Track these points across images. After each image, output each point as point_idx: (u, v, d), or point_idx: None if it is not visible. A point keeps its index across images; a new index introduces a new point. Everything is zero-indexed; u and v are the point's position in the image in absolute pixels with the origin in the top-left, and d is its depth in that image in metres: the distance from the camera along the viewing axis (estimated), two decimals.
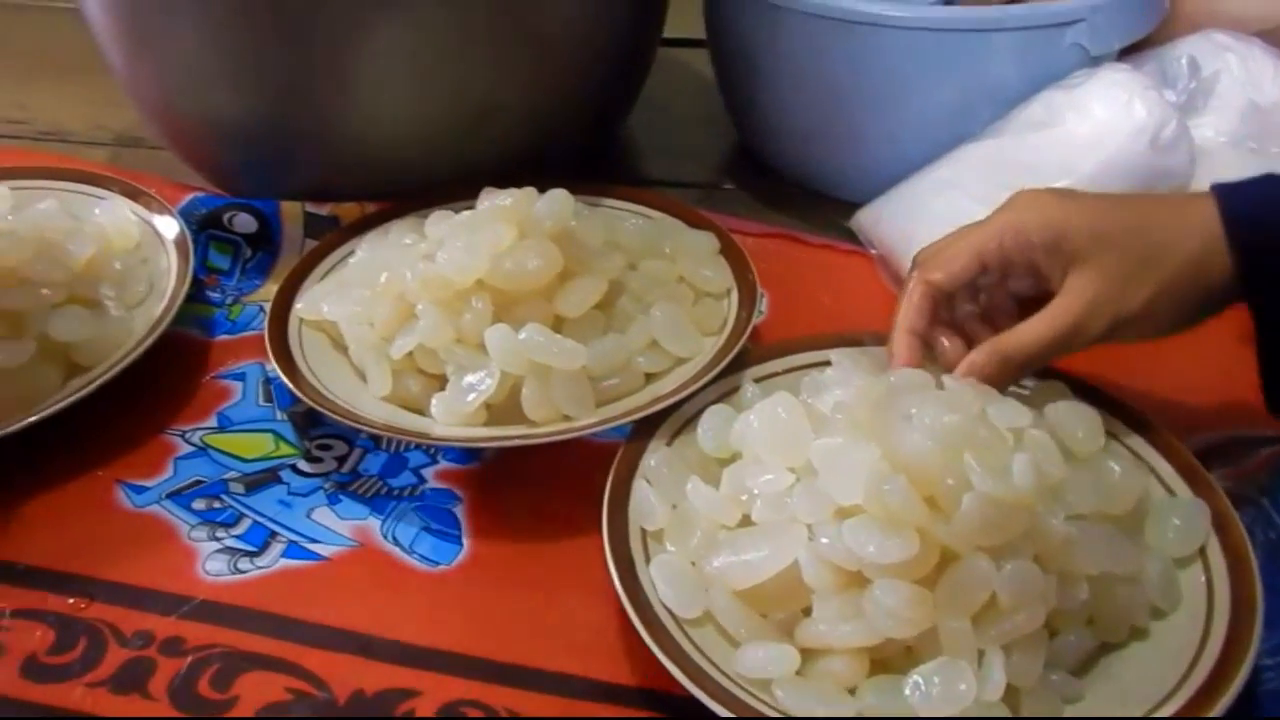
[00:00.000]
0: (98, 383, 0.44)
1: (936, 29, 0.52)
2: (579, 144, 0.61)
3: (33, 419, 0.42)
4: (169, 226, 0.52)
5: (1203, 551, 0.37)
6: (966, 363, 0.39)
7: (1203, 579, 0.36)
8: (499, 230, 0.44)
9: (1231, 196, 0.38)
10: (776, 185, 0.64)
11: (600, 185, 0.55)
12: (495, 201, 0.46)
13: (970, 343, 0.41)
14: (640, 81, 0.64)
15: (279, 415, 0.47)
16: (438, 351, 0.44)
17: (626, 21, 0.59)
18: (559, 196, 0.45)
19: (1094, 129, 0.49)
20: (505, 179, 0.51)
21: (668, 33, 0.63)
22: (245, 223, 0.55)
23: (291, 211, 0.56)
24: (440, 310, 0.44)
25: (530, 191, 0.47)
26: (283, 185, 0.56)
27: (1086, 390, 0.42)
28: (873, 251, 0.56)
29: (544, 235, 0.45)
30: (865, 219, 0.57)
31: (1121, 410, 0.41)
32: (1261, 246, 0.37)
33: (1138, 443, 0.40)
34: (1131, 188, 0.49)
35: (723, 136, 0.68)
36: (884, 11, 0.51)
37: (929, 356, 0.41)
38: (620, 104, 0.64)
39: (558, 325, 0.44)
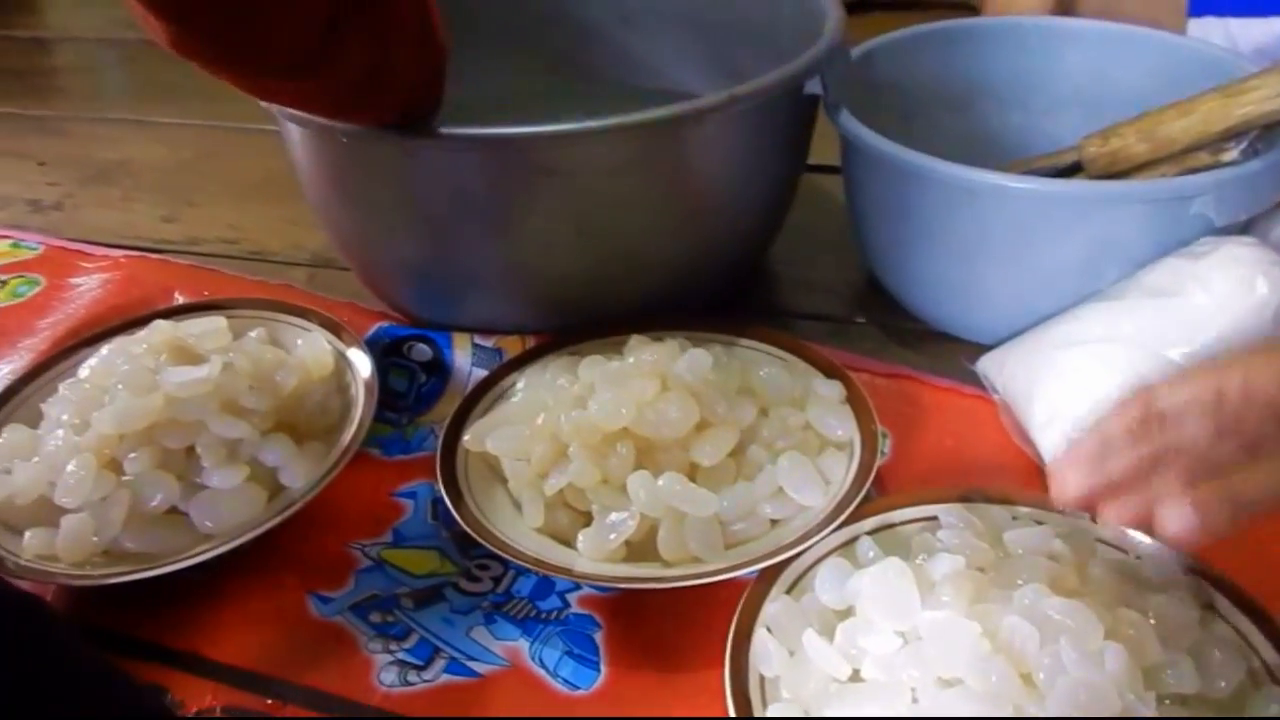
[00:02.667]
0: (299, 504, 0.51)
1: (1061, 199, 0.55)
2: (722, 280, 0.66)
3: (247, 538, 0.49)
4: (360, 359, 0.59)
5: None
6: (1193, 501, 0.36)
7: None
8: (644, 384, 0.50)
9: None
10: (905, 321, 0.67)
11: (738, 324, 0.60)
12: (641, 356, 0.51)
13: None
14: (781, 222, 0.69)
15: (444, 534, 0.54)
16: (585, 491, 0.49)
17: (773, 176, 0.64)
18: (698, 356, 0.51)
19: (1215, 301, 0.51)
20: (653, 315, 0.57)
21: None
22: (421, 352, 0.63)
23: (461, 342, 0.63)
24: (589, 454, 0.49)
25: (673, 347, 0.52)
26: (454, 318, 0.63)
27: (1192, 565, 0.44)
28: (995, 397, 0.59)
29: (684, 389, 0.50)
30: (989, 365, 0.60)
31: (1225, 586, 0.43)
32: None
33: (1241, 621, 0.42)
34: None
35: (856, 268, 0.72)
36: (1008, 184, 0.54)
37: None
38: (762, 243, 0.70)
39: (693, 472, 0.49)
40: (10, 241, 0.81)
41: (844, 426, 0.52)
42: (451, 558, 0.52)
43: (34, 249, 0.80)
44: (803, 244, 0.75)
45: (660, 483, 0.47)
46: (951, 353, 0.63)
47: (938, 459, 0.56)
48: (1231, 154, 0.55)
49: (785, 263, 0.74)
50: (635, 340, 0.55)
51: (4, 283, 0.76)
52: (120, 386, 0.53)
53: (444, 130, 0.53)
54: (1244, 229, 0.57)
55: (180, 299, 0.71)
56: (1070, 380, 0.54)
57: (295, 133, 0.60)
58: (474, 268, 0.60)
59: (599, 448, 0.49)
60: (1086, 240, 0.56)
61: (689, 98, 0.56)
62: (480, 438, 0.53)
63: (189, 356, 0.55)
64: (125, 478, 0.51)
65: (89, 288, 0.75)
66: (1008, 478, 0.55)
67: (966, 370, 0.61)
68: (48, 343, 0.68)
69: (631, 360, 0.52)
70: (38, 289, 0.75)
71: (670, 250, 0.61)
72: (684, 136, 0.56)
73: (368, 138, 0.55)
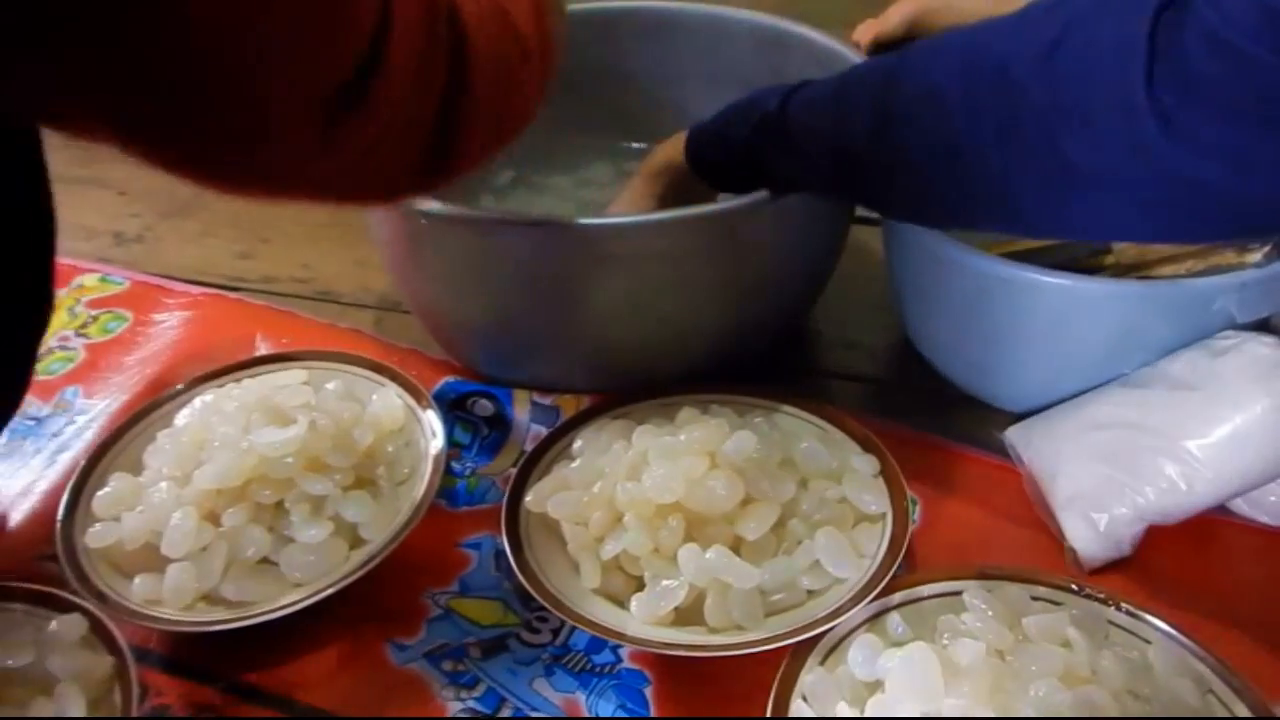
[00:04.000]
0: (381, 556, 0.56)
1: (1092, 295, 0.58)
2: (765, 344, 0.71)
3: (333, 589, 0.54)
4: (430, 416, 0.64)
5: None
6: None
7: None
8: (694, 461, 0.54)
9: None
10: (939, 384, 0.71)
11: (779, 393, 0.64)
12: (693, 434, 0.56)
13: None
14: (824, 286, 0.73)
15: (506, 585, 0.59)
16: (639, 559, 0.54)
17: (820, 249, 0.68)
18: (744, 438, 0.55)
19: (1232, 397, 0.55)
20: (700, 380, 0.62)
21: None
22: (484, 407, 0.68)
23: (521, 398, 0.68)
24: (643, 524, 0.54)
25: (722, 425, 0.56)
26: (515, 376, 0.68)
27: (1189, 645, 0.48)
28: (1021, 469, 0.63)
29: (731, 468, 0.54)
30: (1016, 436, 0.64)
31: (1225, 675, 0.47)
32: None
33: (1239, 709, 0.46)
34: (1262, 457, 0.54)
35: (894, 328, 0.76)
36: (1042, 278, 0.58)
37: None
38: (806, 307, 0.74)
39: (737, 544, 0.54)
40: (99, 276, 0.86)
41: (878, 502, 0.57)
42: (514, 609, 0.57)
43: (120, 284, 0.85)
44: (843, 301, 0.79)
45: (708, 556, 0.52)
46: (982, 420, 0.67)
47: (965, 528, 0.61)
48: (1256, 255, 0.58)
49: (825, 320, 0.78)
50: (686, 413, 0.59)
51: (95, 318, 0.82)
52: (217, 444, 0.59)
53: (516, 218, 0.57)
54: (1264, 322, 0.60)
55: (260, 341, 0.76)
56: (1092, 464, 0.58)
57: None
58: (535, 334, 0.65)
59: (652, 519, 0.54)
60: (1114, 330, 0.59)
61: None
62: (542, 499, 0.58)
63: (278, 415, 0.60)
64: (222, 529, 0.57)
65: (171, 325, 0.81)
66: (1031, 550, 0.59)
67: (996, 439, 0.65)
68: (139, 382, 0.74)
69: (683, 437, 0.56)
70: (126, 325, 0.81)
71: (718, 322, 0.65)
72: (737, 227, 0.60)
73: (446, 219, 0.59)
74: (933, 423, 0.68)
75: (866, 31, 1.18)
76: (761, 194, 0.59)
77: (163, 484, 0.59)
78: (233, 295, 0.83)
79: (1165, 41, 0.40)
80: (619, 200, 0.68)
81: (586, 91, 0.83)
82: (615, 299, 0.62)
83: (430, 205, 0.59)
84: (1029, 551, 0.59)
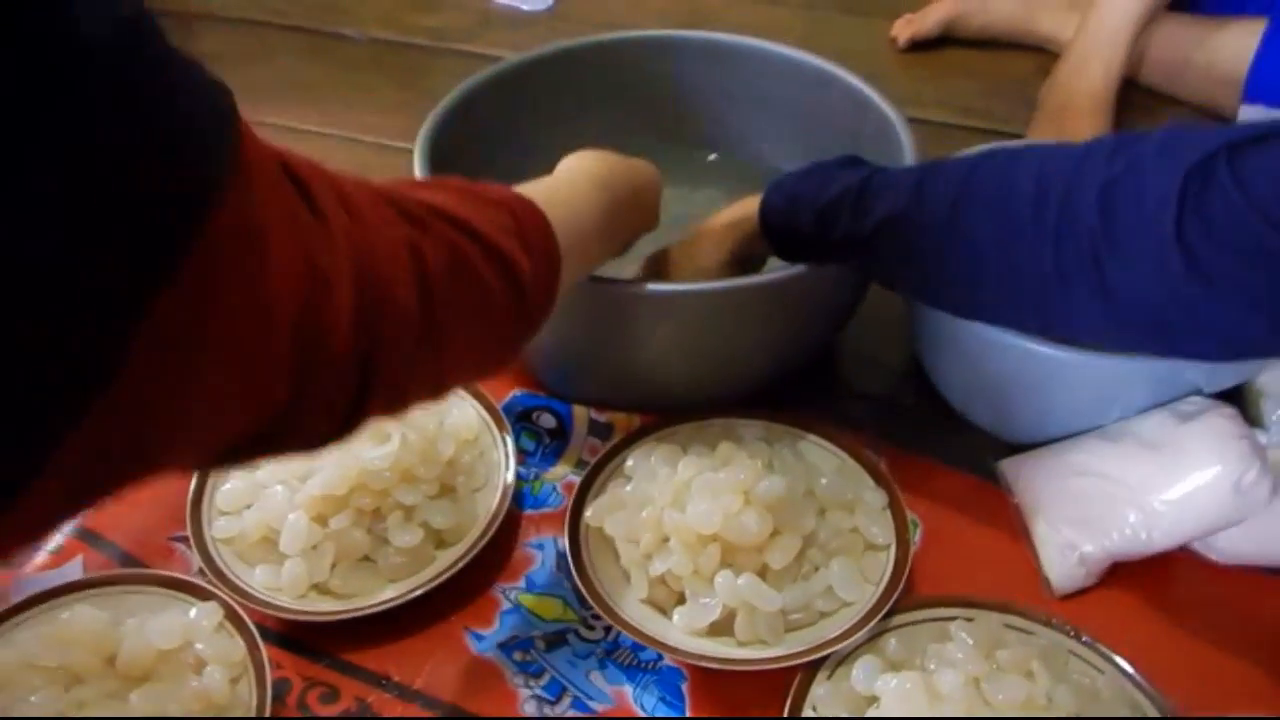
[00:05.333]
0: (468, 558, 0.67)
1: (1078, 364, 0.67)
2: (800, 368, 0.80)
3: (426, 588, 0.65)
4: (500, 429, 0.74)
5: None
6: None
7: None
8: (731, 499, 0.64)
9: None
10: (946, 407, 0.80)
11: (806, 420, 0.74)
12: (734, 475, 0.65)
13: None
14: (853, 316, 0.82)
15: (566, 584, 0.69)
16: (681, 578, 0.64)
17: (851, 294, 0.77)
18: (775, 482, 0.65)
19: (1192, 461, 0.64)
20: (740, 401, 0.71)
21: None
22: (547, 420, 0.78)
23: (580, 414, 0.78)
24: (685, 549, 0.64)
25: (755, 465, 0.66)
26: (576, 395, 0.78)
27: (1134, 676, 0.59)
28: (1010, 498, 0.73)
29: (762, 506, 0.64)
30: (1008, 469, 0.73)
31: (1155, 695, 0.58)
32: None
33: None
34: (1212, 514, 0.64)
35: (908, 348, 0.85)
36: (1034, 347, 0.67)
37: None
38: (836, 335, 0.83)
39: (764, 569, 0.64)
40: None
41: (885, 534, 0.67)
42: (573, 607, 0.68)
43: None
44: (865, 321, 0.87)
45: (740, 581, 0.62)
46: (983, 446, 0.77)
47: (961, 554, 0.70)
48: None
49: (847, 338, 0.87)
50: (725, 447, 0.69)
51: None
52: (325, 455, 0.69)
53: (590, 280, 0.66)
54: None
55: None
56: (1069, 507, 0.68)
57: None
58: (596, 364, 0.75)
59: (693, 545, 0.64)
60: (1096, 391, 0.69)
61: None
62: (600, 516, 0.68)
63: (375, 431, 0.70)
64: (330, 530, 0.67)
65: None
66: (1014, 574, 0.69)
67: (992, 466, 0.75)
68: None
69: (722, 475, 0.66)
70: None
71: (757, 358, 0.74)
72: (786, 292, 0.69)
73: None
74: (938, 442, 0.77)
75: (905, 29, 1.23)
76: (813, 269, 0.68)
77: (277, 486, 0.69)
78: None
79: (1195, 199, 0.48)
80: (691, 245, 0.74)
81: (647, 103, 0.92)
82: (669, 343, 0.71)
83: None
84: (1012, 575, 0.69)
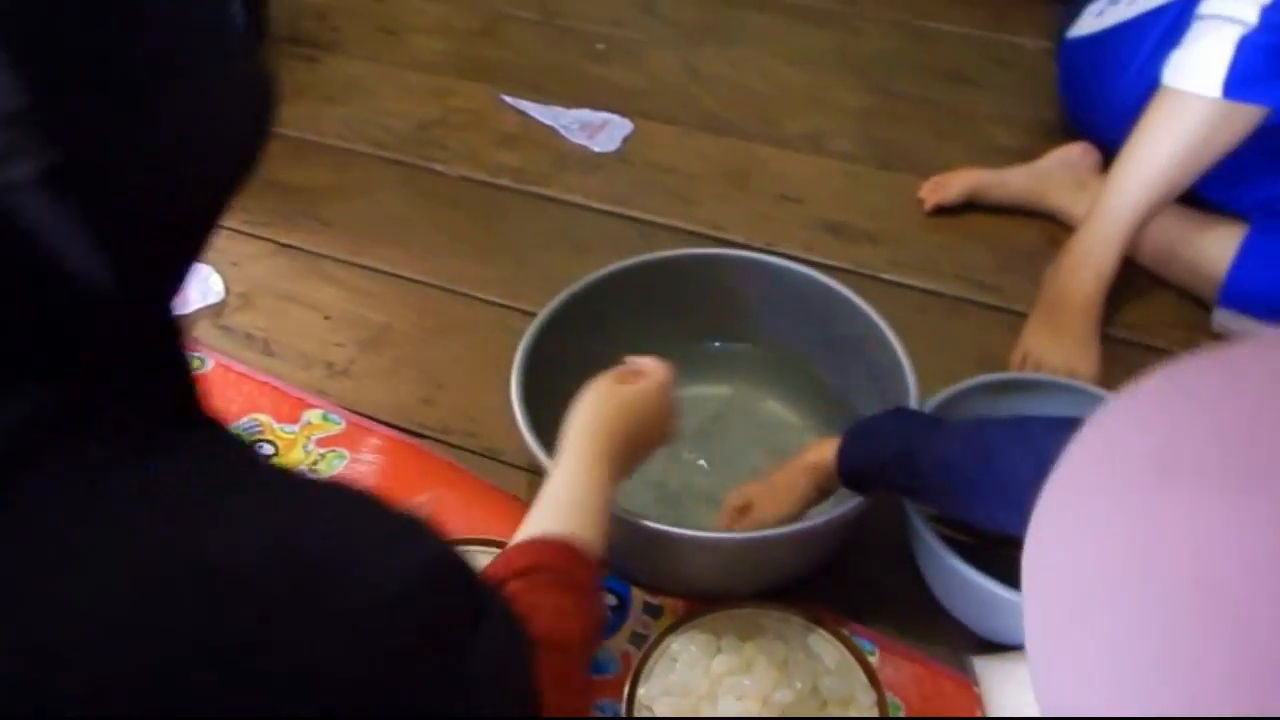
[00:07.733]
0: None
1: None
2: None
3: None
4: None
5: None
6: None
7: None
8: (751, 704, 0.84)
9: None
10: (932, 599, 0.98)
11: (817, 614, 0.93)
12: (759, 683, 0.85)
13: None
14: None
15: None
16: None
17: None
18: (786, 693, 0.84)
19: None
20: (770, 595, 0.91)
21: None
22: (610, 599, 0.97)
23: (637, 596, 0.97)
24: None
25: (773, 673, 0.86)
26: (632, 578, 0.98)
27: None
28: (976, 690, 0.91)
29: (777, 709, 0.84)
30: (979, 667, 0.92)
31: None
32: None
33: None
34: None
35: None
36: (987, 586, 0.85)
37: None
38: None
39: None
40: (321, 413, 1.15)
41: None
42: None
43: (338, 424, 1.14)
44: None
45: None
46: (962, 638, 0.95)
47: None
48: None
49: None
50: (750, 649, 0.88)
51: (323, 455, 1.11)
52: None
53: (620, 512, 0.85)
54: None
55: (427, 492, 1.05)
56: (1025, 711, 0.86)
57: None
58: (646, 569, 0.94)
59: None
60: None
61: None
62: (650, 698, 0.88)
63: None
64: None
65: (363, 464, 1.09)
66: None
67: (967, 661, 0.93)
68: None
69: (747, 682, 0.86)
70: (344, 462, 1.10)
71: (790, 567, 0.94)
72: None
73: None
74: (927, 637, 0.96)
75: (932, 193, 1.39)
76: (817, 522, 0.87)
77: None
78: (415, 443, 1.11)
79: None
80: (773, 490, 0.92)
81: (694, 305, 1.10)
82: (718, 566, 0.91)
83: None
84: None
